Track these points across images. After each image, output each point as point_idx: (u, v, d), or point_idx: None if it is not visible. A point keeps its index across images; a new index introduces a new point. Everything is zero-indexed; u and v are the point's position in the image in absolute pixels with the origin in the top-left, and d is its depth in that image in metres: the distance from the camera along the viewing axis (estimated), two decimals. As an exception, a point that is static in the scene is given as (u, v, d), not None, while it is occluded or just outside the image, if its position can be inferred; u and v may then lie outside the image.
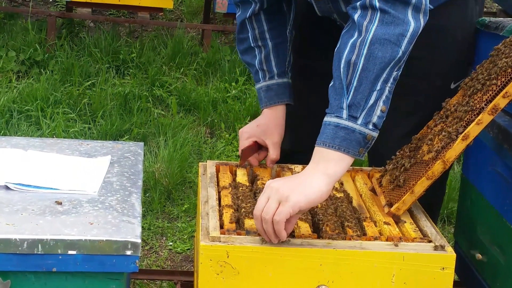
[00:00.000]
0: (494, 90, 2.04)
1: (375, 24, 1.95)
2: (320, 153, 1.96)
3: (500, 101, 2.01)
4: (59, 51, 5.39)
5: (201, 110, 4.90)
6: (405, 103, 2.39)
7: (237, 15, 2.53)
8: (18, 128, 4.42)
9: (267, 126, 2.44)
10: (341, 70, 1.96)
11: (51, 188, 2.05)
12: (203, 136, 4.66)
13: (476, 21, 2.46)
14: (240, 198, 2.18)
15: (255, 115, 4.76)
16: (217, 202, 2.14)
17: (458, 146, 2.04)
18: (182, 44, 5.67)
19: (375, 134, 1.97)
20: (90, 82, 5.08)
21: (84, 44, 5.54)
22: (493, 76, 2.08)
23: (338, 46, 2.01)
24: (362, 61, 1.94)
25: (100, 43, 5.52)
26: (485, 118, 2.03)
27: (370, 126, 1.95)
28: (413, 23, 1.97)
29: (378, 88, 1.95)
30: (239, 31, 2.52)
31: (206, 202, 2.14)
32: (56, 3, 6.48)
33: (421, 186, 2.07)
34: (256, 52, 2.49)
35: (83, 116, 4.68)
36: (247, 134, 2.44)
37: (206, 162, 2.44)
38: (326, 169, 1.94)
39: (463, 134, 2.03)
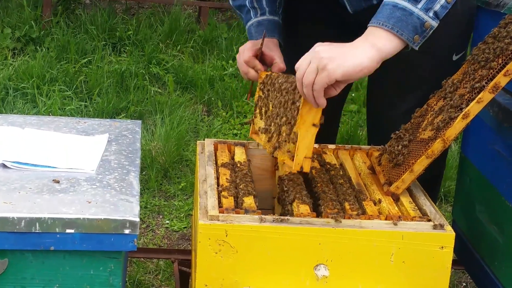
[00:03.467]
0: (495, 68, 2.03)
1: None
2: (371, 31, 1.92)
3: (501, 80, 2.00)
4: (55, 28, 5.35)
5: (198, 88, 4.89)
6: (410, 78, 2.37)
7: None
8: (14, 105, 4.40)
9: (267, 44, 2.42)
10: None
11: (49, 167, 2.04)
12: (200, 114, 4.65)
13: None
14: (238, 176, 2.17)
15: (252, 93, 4.74)
16: (216, 180, 2.13)
17: (458, 125, 2.03)
18: (179, 22, 5.64)
19: (435, 23, 1.93)
20: (86, 59, 5.06)
21: (80, 21, 5.51)
22: (495, 53, 2.06)
23: None
24: None
25: (96, 20, 5.48)
26: (486, 96, 2.01)
27: (431, 14, 1.92)
28: None
29: None
30: None
31: (205, 181, 2.13)
32: (51, -20, 6.44)
33: (420, 165, 2.06)
34: None
35: (79, 94, 4.66)
36: (250, 44, 2.42)
37: (204, 140, 2.43)
38: (375, 43, 1.89)
39: (463, 112, 2.02)
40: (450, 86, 2.14)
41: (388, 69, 2.44)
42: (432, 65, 2.40)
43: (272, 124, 2.19)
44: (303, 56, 1.92)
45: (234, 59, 5.27)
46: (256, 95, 2.36)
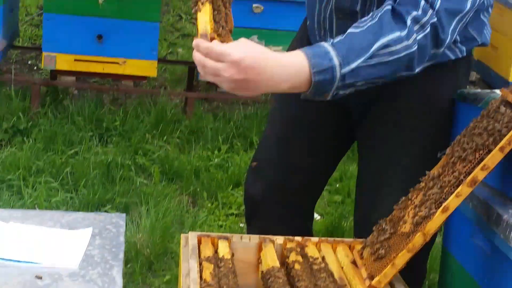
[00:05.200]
0: (473, 163, 2.07)
1: (417, 42, 2.10)
2: (301, 70, 2.03)
3: (479, 174, 2.04)
4: (43, 119, 5.40)
5: (183, 178, 4.91)
6: (397, 172, 2.42)
7: None
8: (-1, 197, 4.40)
9: None
10: (378, 43, 2.07)
11: (32, 262, 2.04)
12: (186, 205, 4.66)
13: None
14: (222, 271, 2.17)
15: (237, 183, 4.77)
16: (199, 274, 2.13)
17: (438, 218, 2.05)
18: (166, 112, 5.70)
19: (327, 98, 2.08)
20: (73, 150, 5.09)
21: (68, 112, 5.56)
22: (472, 147, 2.11)
23: (379, 19, 2.12)
24: (393, 58, 2.08)
25: (83, 111, 5.54)
26: (464, 190, 2.05)
27: (334, 92, 2.06)
28: (421, 68, 2.17)
29: (370, 82, 2.11)
30: None
31: (187, 275, 2.14)
32: (40, 71, 6.53)
33: (402, 258, 2.08)
34: None
35: (65, 185, 4.67)
36: None
37: (188, 233, 2.44)
38: (286, 86, 2.03)
39: (442, 206, 2.05)
40: (429, 180, 2.18)
41: (371, 163, 2.50)
42: (417, 160, 2.45)
43: None
44: (232, 45, 2.02)
45: (219, 149, 5.31)
46: None
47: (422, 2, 2.11)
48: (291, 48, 2.72)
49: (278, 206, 2.69)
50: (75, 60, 5.60)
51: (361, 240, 2.37)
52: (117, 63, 5.63)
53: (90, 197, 4.49)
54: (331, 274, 2.20)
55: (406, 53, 2.08)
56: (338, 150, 2.76)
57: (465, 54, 2.46)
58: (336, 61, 2.03)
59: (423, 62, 2.16)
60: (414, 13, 2.11)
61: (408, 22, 2.10)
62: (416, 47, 2.09)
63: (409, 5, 2.12)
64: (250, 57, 1.98)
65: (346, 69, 2.04)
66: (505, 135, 2.06)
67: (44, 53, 5.54)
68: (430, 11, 2.11)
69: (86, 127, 5.39)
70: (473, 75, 6.32)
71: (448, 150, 2.23)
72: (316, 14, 2.49)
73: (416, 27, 2.10)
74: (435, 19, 2.11)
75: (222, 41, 2.09)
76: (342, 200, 4.81)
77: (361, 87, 2.11)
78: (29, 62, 6.73)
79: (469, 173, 2.06)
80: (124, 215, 2.52)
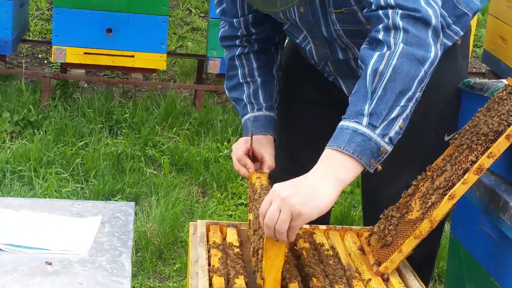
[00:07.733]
0: (479, 150, 2.08)
1: (401, 41, 2.00)
2: (331, 156, 1.96)
3: (485, 161, 2.05)
4: (53, 112, 5.43)
5: (193, 169, 4.93)
6: (402, 157, 2.42)
7: (225, 55, 2.63)
8: (10, 188, 4.43)
9: (260, 141, 2.49)
10: (367, 77, 1.98)
11: (42, 249, 2.06)
12: (195, 196, 4.68)
13: (463, 78, 2.53)
14: (230, 257, 2.19)
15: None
16: (207, 261, 2.15)
17: (445, 206, 2.07)
18: (175, 104, 5.72)
19: (389, 148, 1.99)
20: (83, 142, 5.12)
21: (78, 104, 5.59)
22: (479, 135, 2.12)
23: (360, 57, 2.05)
24: (389, 72, 1.96)
25: (93, 103, 5.57)
26: (471, 178, 2.06)
27: (386, 139, 1.98)
28: (434, 48, 2.02)
29: (401, 104, 1.98)
30: (228, 69, 2.60)
31: (196, 262, 2.15)
32: (51, 65, 6.56)
33: (409, 245, 2.09)
34: (245, 88, 2.56)
35: (75, 176, 4.70)
36: (243, 141, 2.49)
37: (197, 221, 2.45)
38: (337, 174, 1.94)
39: (449, 193, 2.06)
40: (436, 168, 2.19)
41: None
42: (424, 145, 2.45)
43: (253, 239, 2.23)
44: (265, 200, 1.96)
45: (229, 141, 5.34)
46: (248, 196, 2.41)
47: (380, 11, 2.04)
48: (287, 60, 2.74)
49: None
50: (85, 53, 5.63)
51: (368, 227, 2.38)
52: (127, 56, 5.66)
53: (100, 187, 4.52)
54: (339, 261, 2.22)
55: (398, 55, 1.97)
56: None
57: (461, 33, 2.47)
58: (352, 124, 1.96)
59: (434, 43, 2.03)
60: (381, 25, 2.03)
61: (381, 37, 2.02)
62: (402, 45, 1.98)
63: (375, 23, 2.06)
64: (276, 185, 1.96)
65: (365, 120, 1.95)
66: (511, 123, 2.07)
67: (54, 47, 5.57)
68: (390, 11, 2.02)
69: (96, 119, 5.42)
70: (483, 67, 6.31)
71: (454, 139, 2.24)
72: (308, 52, 2.52)
73: (391, 34, 2.01)
74: (400, 11, 2.01)
75: None
76: (351, 190, 4.82)
77: (401, 114, 1.99)
78: (39, 56, 6.76)
79: (476, 161, 2.07)
80: (133, 203, 2.54)
